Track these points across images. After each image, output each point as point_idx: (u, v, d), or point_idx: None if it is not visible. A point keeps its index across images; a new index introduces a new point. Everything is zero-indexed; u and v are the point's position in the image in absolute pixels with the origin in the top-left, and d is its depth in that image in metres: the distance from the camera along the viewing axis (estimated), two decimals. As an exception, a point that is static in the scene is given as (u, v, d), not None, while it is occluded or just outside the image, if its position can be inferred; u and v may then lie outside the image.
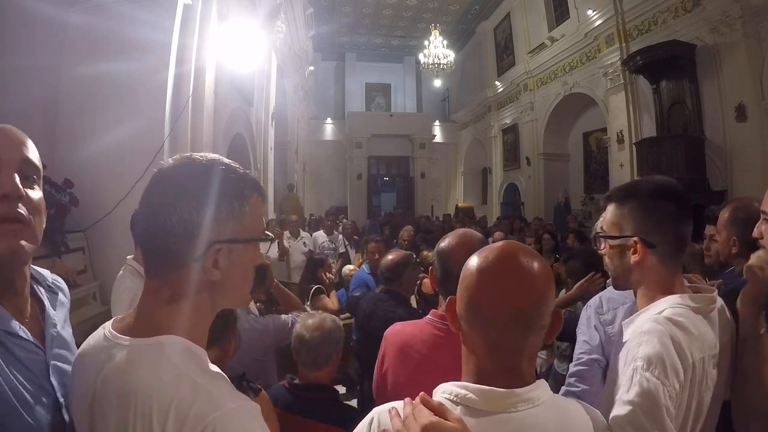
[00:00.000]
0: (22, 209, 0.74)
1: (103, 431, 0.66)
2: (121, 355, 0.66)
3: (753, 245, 1.58)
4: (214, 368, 0.69)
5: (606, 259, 1.06)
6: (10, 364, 0.71)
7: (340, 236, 5.90)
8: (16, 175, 0.74)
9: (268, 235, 0.84)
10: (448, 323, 1.19)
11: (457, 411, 0.69)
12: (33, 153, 0.79)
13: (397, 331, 1.32)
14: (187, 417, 0.60)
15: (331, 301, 3.04)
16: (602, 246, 1.08)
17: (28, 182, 0.77)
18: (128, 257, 2.10)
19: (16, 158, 0.75)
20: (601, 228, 1.10)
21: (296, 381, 1.66)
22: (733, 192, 5.89)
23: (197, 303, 0.70)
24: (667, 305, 0.94)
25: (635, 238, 0.98)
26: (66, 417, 0.76)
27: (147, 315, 0.69)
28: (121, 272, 2.06)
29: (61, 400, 0.77)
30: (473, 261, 0.75)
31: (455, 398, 0.71)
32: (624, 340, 0.96)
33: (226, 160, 0.73)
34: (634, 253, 0.98)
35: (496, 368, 0.71)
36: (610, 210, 1.05)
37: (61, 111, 3.10)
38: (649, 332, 0.89)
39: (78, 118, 3.07)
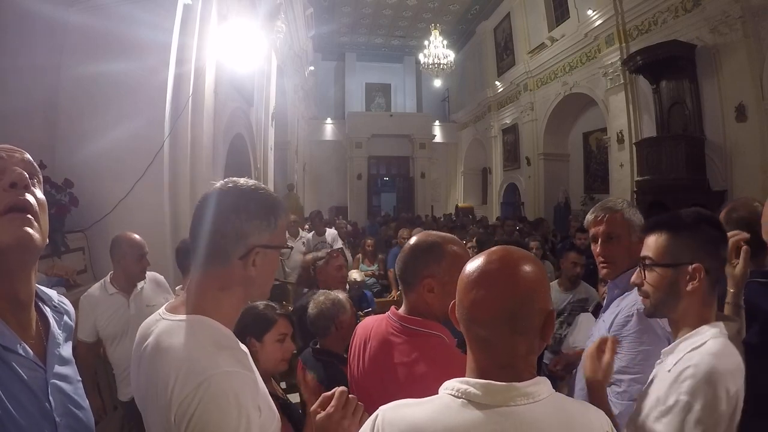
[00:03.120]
0: (30, 198, 0.74)
1: (142, 380, 0.86)
2: (162, 327, 0.86)
3: (748, 244, 1.57)
4: (231, 343, 0.86)
5: (646, 288, 1.06)
6: (9, 382, 0.70)
7: (331, 232, 5.83)
8: (22, 169, 0.76)
9: (289, 245, 1.01)
10: (403, 323, 1.18)
11: (458, 404, 0.71)
12: (31, 159, 0.82)
13: (363, 324, 1.33)
14: (192, 373, 0.76)
15: None
16: (644, 276, 1.07)
17: (31, 181, 0.78)
18: (177, 288, 2.29)
19: (18, 157, 0.78)
20: (649, 258, 1.07)
21: (317, 346, 1.98)
22: (733, 192, 5.89)
23: (235, 293, 0.89)
24: (710, 336, 0.96)
25: (695, 265, 0.99)
26: (57, 418, 0.76)
27: (192, 299, 0.88)
28: None
29: (58, 419, 0.76)
30: (467, 266, 0.79)
31: (456, 393, 0.73)
32: (668, 369, 0.97)
33: (263, 185, 0.94)
34: (692, 280, 0.99)
35: (491, 365, 0.74)
36: (662, 239, 1.04)
37: (61, 111, 3.10)
38: (707, 377, 0.89)
39: (78, 118, 3.06)
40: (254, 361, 1.51)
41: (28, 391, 0.73)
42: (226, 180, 0.92)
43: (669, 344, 1.23)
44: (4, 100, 2.61)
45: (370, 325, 1.28)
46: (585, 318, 2.37)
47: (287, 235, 5.21)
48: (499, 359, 0.73)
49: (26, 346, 0.75)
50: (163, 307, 0.93)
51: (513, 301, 0.72)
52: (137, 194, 3.01)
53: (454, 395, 0.73)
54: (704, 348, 0.94)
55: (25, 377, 0.73)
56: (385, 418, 0.75)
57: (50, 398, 0.76)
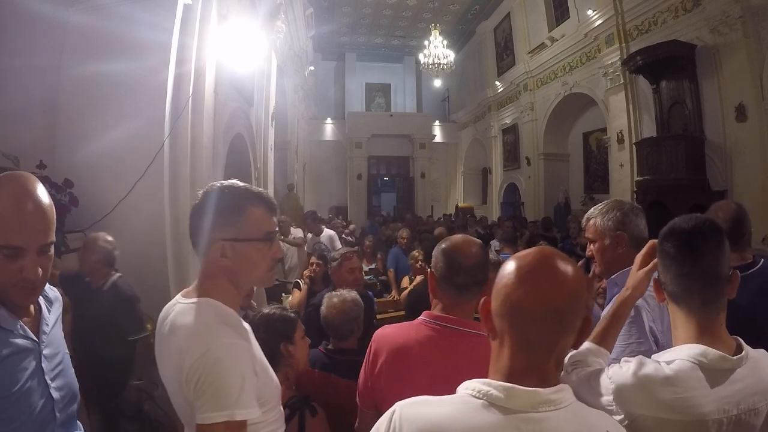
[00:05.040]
0: (39, 278, 0.99)
1: (163, 354, 1.04)
2: (177, 309, 1.03)
3: (737, 237, 1.68)
4: (232, 320, 1.02)
5: None
6: (15, 354, 0.95)
7: (328, 232, 5.81)
8: (36, 257, 0.97)
9: (268, 235, 1.06)
10: (441, 323, 1.24)
11: (478, 405, 0.71)
12: (52, 229, 1.02)
13: (388, 334, 1.33)
14: (198, 345, 0.93)
15: (295, 295, 3.25)
16: None
17: (44, 252, 0.99)
18: None
19: (37, 244, 0.97)
20: None
21: (330, 347, 1.96)
22: (733, 192, 5.90)
23: (223, 279, 1.05)
24: (677, 355, 0.93)
25: (656, 276, 1.03)
26: (54, 395, 1.01)
27: (199, 284, 1.07)
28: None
29: (49, 381, 1.01)
30: (511, 263, 0.78)
31: (477, 394, 0.72)
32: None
33: (228, 183, 1.06)
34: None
35: (524, 366, 0.73)
36: None
37: (61, 111, 3.09)
38: (642, 374, 0.90)
39: (78, 118, 3.06)
40: (291, 363, 1.60)
41: (27, 359, 0.97)
42: (209, 185, 1.08)
43: (654, 340, 1.29)
44: (4, 100, 2.60)
45: (403, 334, 1.30)
46: None
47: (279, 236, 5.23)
48: (535, 359, 0.73)
49: (24, 327, 0.99)
50: (180, 293, 1.10)
51: (565, 298, 0.72)
52: (137, 194, 3.00)
53: (475, 396, 0.72)
54: (662, 366, 0.92)
55: (25, 349, 0.97)
56: (402, 415, 0.74)
57: (42, 365, 1.00)
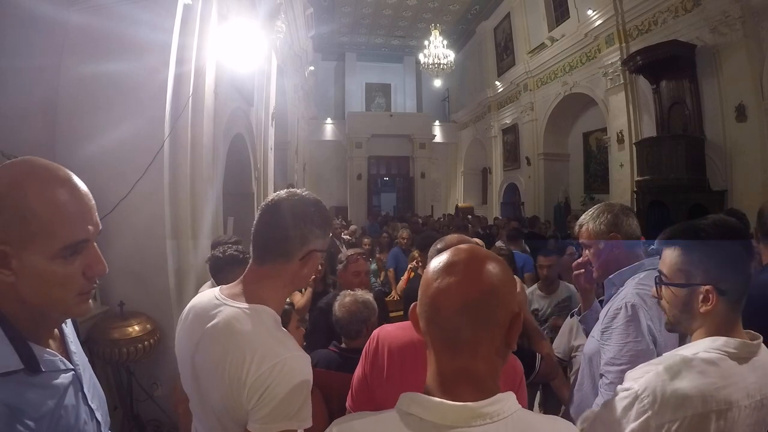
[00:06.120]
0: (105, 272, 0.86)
1: (203, 363, 0.99)
2: (229, 312, 1.00)
3: None
4: (284, 329, 1.02)
5: (663, 303, 1.05)
6: (64, 396, 0.80)
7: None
8: (96, 247, 0.82)
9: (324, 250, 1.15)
10: None
11: (408, 421, 0.68)
12: (95, 209, 0.85)
13: (390, 332, 1.33)
14: (267, 355, 0.92)
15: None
16: (661, 292, 1.05)
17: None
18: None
19: (95, 232, 0.82)
20: (663, 274, 1.05)
21: (343, 345, 1.97)
22: (733, 192, 5.90)
23: (286, 286, 1.06)
24: (703, 347, 0.94)
25: (708, 287, 0.94)
26: (98, 416, 0.89)
27: (251, 288, 1.04)
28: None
29: (92, 405, 0.89)
30: (434, 260, 0.77)
31: (408, 409, 0.70)
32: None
33: (313, 195, 1.09)
34: (705, 301, 0.94)
35: (453, 368, 0.70)
36: (675, 255, 1.00)
37: (61, 111, 3.09)
38: (667, 368, 0.92)
39: (78, 118, 3.06)
40: None
41: (73, 395, 0.83)
42: (289, 191, 1.09)
43: (652, 340, 1.30)
44: (4, 100, 2.60)
45: (406, 334, 1.29)
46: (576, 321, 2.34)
47: None
48: (461, 359, 0.70)
49: (62, 359, 0.84)
50: (219, 292, 1.07)
51: (478, 292, 0.69)
52: (137, 194, 3.00)
53: (407, 411, 0.70)
54: (686, 356, 0.93)
55: (68, 385, 0.82)
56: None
57: (84, 391, 0.87)
